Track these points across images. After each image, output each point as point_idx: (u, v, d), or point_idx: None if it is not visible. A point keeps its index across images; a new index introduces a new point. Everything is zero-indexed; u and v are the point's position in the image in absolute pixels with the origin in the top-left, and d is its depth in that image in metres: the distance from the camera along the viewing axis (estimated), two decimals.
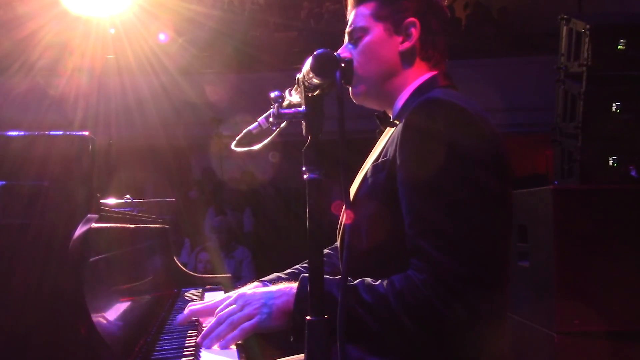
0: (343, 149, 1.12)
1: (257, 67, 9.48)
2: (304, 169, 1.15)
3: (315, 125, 1.17)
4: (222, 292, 2.25)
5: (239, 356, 1.44)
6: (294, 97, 1.30)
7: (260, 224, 7.99)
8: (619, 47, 3.03)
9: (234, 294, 1.52)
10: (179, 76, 8.98)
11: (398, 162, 1.40)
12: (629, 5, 7.38)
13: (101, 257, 1.28)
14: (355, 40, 1.62)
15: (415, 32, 1.58)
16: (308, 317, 1.14)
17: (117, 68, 7.79)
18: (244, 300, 1.45)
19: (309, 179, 1.15)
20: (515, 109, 8.68)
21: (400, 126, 1.44)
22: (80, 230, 1.08)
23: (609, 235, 2.82)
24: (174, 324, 1.67)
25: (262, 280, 1.77)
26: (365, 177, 1.52)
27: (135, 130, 8.68)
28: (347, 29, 1.65)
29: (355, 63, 1.58)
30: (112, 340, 1.19)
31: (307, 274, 1.23)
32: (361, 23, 1.61)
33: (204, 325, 1.62)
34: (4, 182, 1.07)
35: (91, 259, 1.17)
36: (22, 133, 1.09)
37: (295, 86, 1.26)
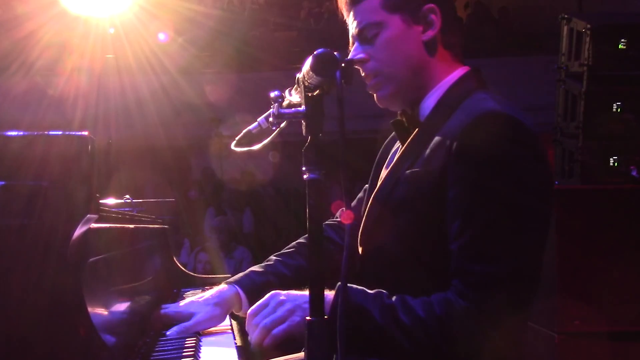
0: (343, 149, 1.11)
1: (257, 67, 9.47)
2: (304, 169, 1.15)
3: (315, 125, 1.17)
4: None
5: (239, 356, 1.43)
6: (294, 96, 1.29)
7: (260, 224, 7.98)
8: (619, 46, 3.03)
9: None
10: (178, 76, 8.97)
11: (452, 178, 1.33)
12: (629, 5, 7.37)
13: (100, 258, 1.27)
14: (369, 38, 1.48)
15: (436, 18, 1.46)
16: (308, 318, 1.13)
17: (117, 68, 7.76)
18: (277, 302, 1.40)
19: (309, 179, 1.15)
20: None
21: (450, 136, 1.36)
22: (79, 230, 1.07)
23: (610, 235, 2.82)
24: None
25: (229, 283, 1.70)
26: (395, 185, 1.45)
27: (135, 130, 8.67)
28: (355, 29, 1.51)
29: (376, 63, 1.48)
30: (111, 340, 1.18)
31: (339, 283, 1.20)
32: (374, 18, 1.47)
33: None
34: (3, 182, 1.06)
35: (90, 260, 1.16)
36: (21, 133, 1.09)
37: (295, 86, 1.25)
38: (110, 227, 1.40)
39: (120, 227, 1.55)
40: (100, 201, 1.25)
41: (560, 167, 3.28)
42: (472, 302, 1.27)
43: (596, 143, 3.05)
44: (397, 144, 1.60)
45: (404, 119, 1.55)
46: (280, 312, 1.38)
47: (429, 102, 1.49)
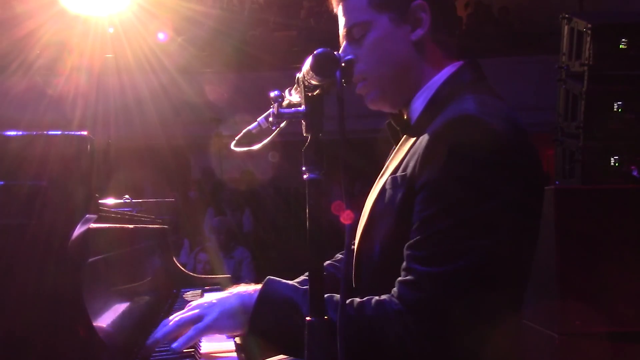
0: (343, 149, 1.11)
1: (256, 67, 9.48)
2: (303, 168, 1.14)
3: (315, 125, 1.16)
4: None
5: (238, 356, 1.43)
6: (293, 96, 1.28)
7: (260, 224, 7.98)
8: (620, 46, 3.03)
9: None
10: (178, 75, 8.98)
11: (419, 182, 1.29)
12: (630, 4, 7.38)
13: (100, 258, 1.27)
14: (357, 39, 1.45)
15: (425, 16, 1.42)
16: (308, 318, 1.12)
17: (116, 67, 7.78)
18: (198, 304, 1.44)
19: (309, 179, 1.14)
20: (516, 109, 8.56)
21: (425, 140, 1.32)
22: (78, 230, 1.07)
23: (611, 235, 2.82)
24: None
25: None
26: (383, 189, 1.42)
27: (134, 129, 8.68)
28: (343, 29, 1.48)
29: (363, 65, 1.45)
30: (111, 341, 1.18)
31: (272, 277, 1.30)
32: (361, 18, 1.44)
33: None
34: (2, 182, 1.06)
35: (90, 260, 1.16)
36: (20, 133, 1.09)
37: (295, 86, 1.25)
38: (109, 227, 1.40)
39: (120, 227, 1.54)
40: (100, 201, 1.25)
41: (560, 167, 3.28)
42: (405, 304, 1.25)
43: (597, 143, 3.04)
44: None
45: (394, 122, 1.54)
46: (199, 311, 1.39)
47: (418, 103, 1.45)
